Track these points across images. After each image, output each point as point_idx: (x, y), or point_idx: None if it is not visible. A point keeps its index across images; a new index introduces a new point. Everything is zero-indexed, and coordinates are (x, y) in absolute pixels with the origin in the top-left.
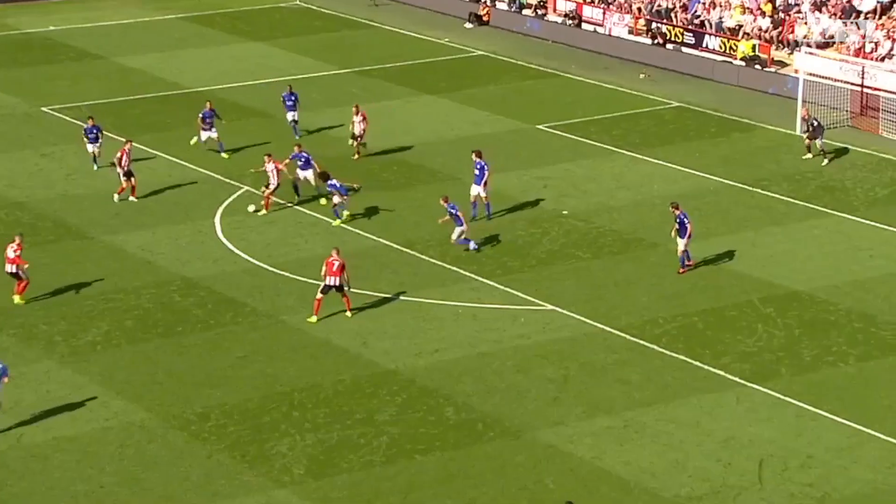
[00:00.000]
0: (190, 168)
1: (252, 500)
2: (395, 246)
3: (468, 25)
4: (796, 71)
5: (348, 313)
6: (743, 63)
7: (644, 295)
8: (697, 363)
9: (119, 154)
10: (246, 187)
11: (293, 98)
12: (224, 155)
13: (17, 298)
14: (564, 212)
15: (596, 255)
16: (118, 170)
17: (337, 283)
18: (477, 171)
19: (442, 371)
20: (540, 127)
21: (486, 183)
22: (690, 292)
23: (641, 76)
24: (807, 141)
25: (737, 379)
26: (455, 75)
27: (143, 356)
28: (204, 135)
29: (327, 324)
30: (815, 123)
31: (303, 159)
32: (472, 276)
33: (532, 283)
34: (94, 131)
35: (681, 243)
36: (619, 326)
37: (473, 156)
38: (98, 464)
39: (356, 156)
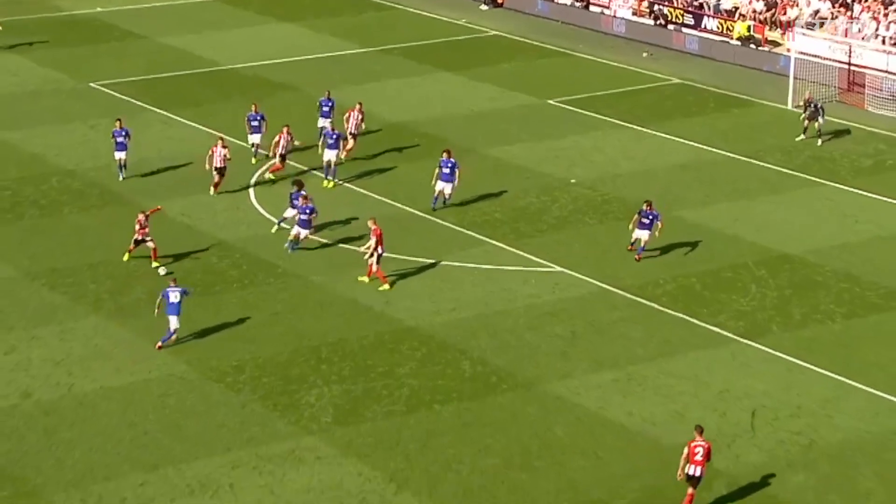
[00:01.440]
0: (227, 139)
1: (283, 446)
2: (417, 212)
3: (483, 7)
4: (788, 50)
5: (365, 279)
6: (739, 43)
7: (646, 257)
8: (695, 321)
9: (209, 152)
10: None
11: (330, 104)
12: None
13: (154, 263)
14: (573, 180)
15: (601, 221)
16: (208, 166)
17: (381, 252)
18: (447, 170)
19: (459, 328)
20: (550, 102)
21: (455, 181)
22: (689, 255)
23: (645, 55)
24: (805, 122)
25: (732, 336)
26: (471, 54)
27: (184, 313)
28: (250, 139)
29: (353, 284)
30: (816, 105)
31: (333, 137)
32: (487, 240)
33: (542, 247)
34: (123, 134)
35: (641, 234)
36: (622, 287)
37: (444, 154)
38: (142, 412)
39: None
